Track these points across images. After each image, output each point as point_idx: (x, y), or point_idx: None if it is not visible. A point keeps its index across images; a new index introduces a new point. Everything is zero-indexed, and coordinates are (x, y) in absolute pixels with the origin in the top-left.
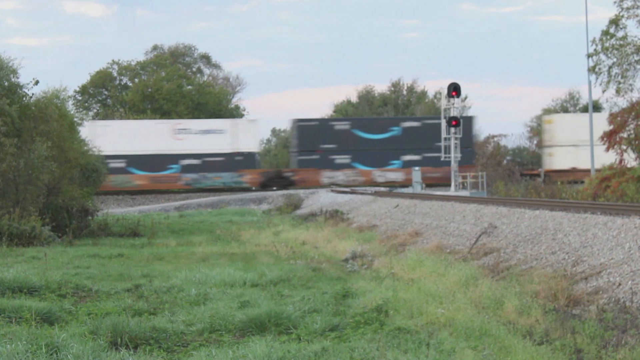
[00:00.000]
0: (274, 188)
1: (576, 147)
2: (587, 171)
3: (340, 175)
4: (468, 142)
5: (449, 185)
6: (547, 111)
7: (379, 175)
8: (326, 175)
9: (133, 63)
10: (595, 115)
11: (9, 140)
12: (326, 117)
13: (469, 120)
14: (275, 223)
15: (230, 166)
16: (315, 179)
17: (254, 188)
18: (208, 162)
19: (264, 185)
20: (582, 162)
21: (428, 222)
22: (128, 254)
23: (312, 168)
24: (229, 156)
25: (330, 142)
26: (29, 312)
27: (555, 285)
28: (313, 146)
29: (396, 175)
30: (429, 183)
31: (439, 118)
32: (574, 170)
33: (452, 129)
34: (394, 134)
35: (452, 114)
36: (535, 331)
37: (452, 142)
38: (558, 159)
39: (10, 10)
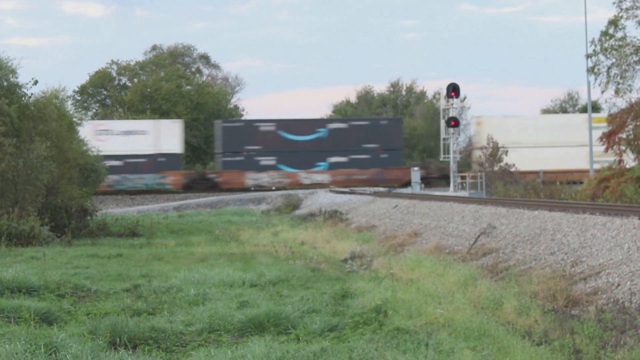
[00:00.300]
0: (203, 188)
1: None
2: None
3: (265, 177)
4: (396, 143)
5: (375, 187)
6: (546, 111)
7: (305, 177)
8: (251, 177)
9: (132, 63)
10: (522, 116)
11: (8, 140)
12: (251, 119)
13: (396, 123)
14: (274, 223)
15: (153, 167)
16: (239, 180)
17: (176, 189)
18: (130, 164)
19: (188, 187)
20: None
21: (427, 223)
22: (127, 254)
23: (237, 170)
24: (151, 157)
25: (255, 143)
26: (28, 312)
27: (554, 286)
28: (238, 147)
29: (322, 177)
30: (355, 185)
31: (366, 120)
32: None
33: (451, 129)
34: (320, 136)
35: (451, 114)
36: (534, 331)
37: (451, 142)
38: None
39: (9, 10)
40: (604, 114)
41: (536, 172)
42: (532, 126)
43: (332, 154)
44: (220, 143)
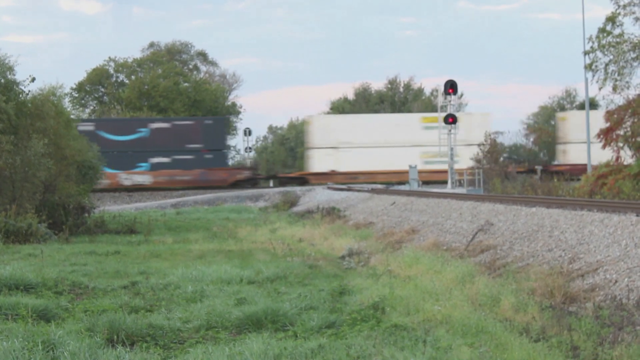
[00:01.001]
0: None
1: (335, 150)
2: (344, 174)
3: None
4: (221, 144)
5: (201, 188)
6: (544, 109)
7: (126, 178)
8: None
9: (129, 60)
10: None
11: (6, 138)
12: (69, 118)
13: (220, 123)
14: (271, 220)
15: None
16: None
17: None
18: None
19: None
20: (341, 164)
21: (425, 220)
22: (125, 251)
23: None
24: None
25: None
26: (26, 309)
27: (552, 283)
28: None
29: (143, 178)
30: (179, 186)
31: (190, 119)
32: (332, 174)
33: (449, 126)
34: (141, 136)
35: (448, 111)
36: (531, 328)
37: (449, 141)
38: (317, 162)
39: (5, 8)
40: (440, 114)
41: (369, 173)
42: (363, 126)
43: (154, 154)
44: None
